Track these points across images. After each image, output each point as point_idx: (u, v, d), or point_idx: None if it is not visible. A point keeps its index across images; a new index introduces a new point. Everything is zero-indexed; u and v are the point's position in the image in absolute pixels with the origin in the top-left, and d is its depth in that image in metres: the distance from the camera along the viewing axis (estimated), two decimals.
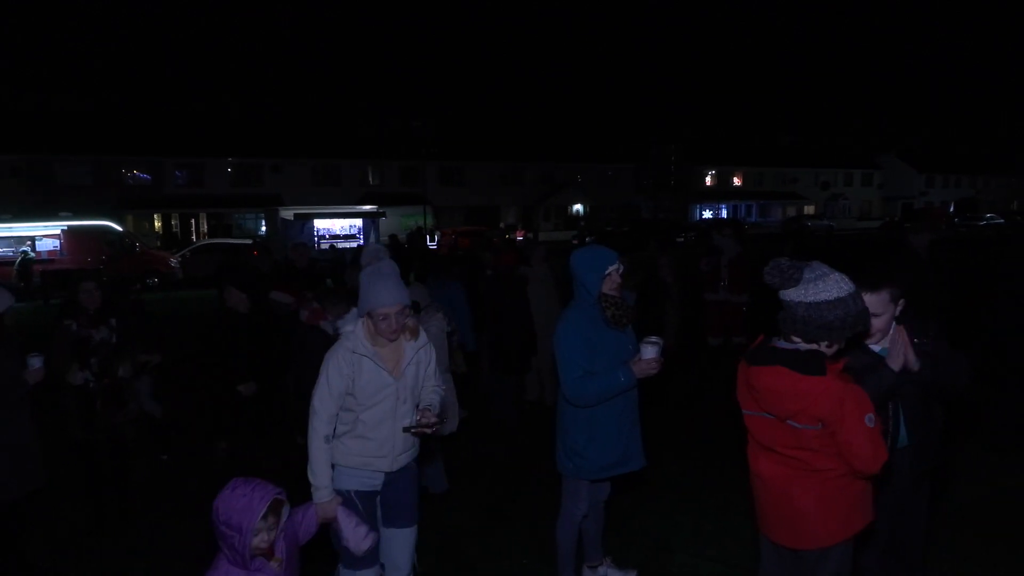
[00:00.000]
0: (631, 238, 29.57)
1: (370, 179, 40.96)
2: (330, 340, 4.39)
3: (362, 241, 31.01)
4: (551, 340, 3.23)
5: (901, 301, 2.60)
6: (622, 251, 3.33)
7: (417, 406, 2.94)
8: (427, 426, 2.81)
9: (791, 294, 2.23)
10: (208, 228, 36.95)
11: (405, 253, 12.61)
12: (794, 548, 2.38)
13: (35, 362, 3.69)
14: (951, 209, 54.67)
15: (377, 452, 2.85)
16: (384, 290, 2.74)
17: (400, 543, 3.01)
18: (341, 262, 10.69)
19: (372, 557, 2.90)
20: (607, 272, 3.13)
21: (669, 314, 6.99)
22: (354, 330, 2.82)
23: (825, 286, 2.19)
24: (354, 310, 2.86)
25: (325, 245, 27.91)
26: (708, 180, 52.94)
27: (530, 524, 4.27)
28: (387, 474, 2.92)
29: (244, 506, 2.09)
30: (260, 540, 2.16)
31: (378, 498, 2.99)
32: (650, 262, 7.62)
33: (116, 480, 4.40)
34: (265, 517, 2.15)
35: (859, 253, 19.58)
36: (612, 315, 3.13)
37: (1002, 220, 43.14)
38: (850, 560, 2.38)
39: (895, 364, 2.43)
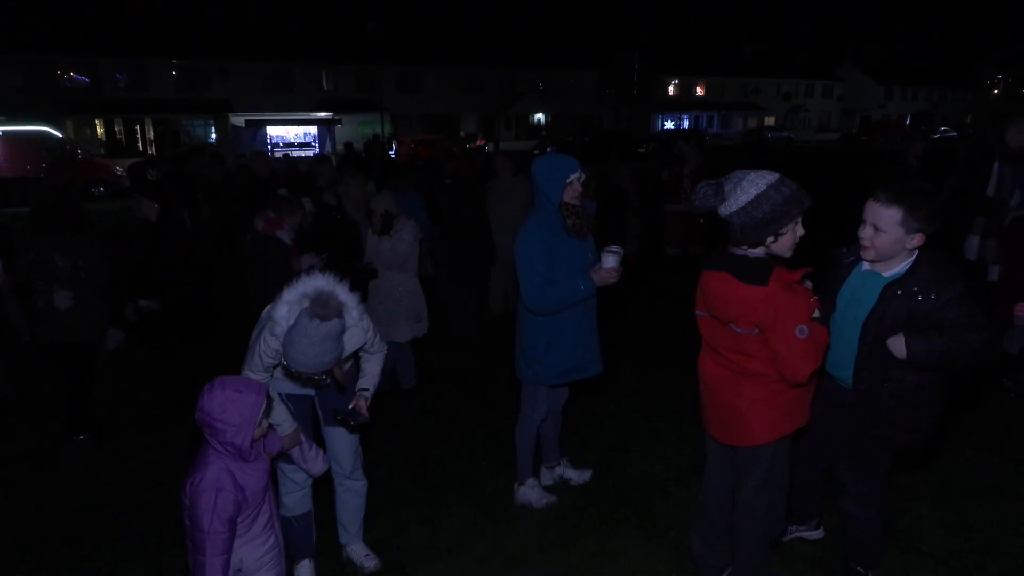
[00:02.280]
0: (592, 148, 29.20)
1: (324, 84, 39.06)
2: (286, 250, 4.32)
3: (317, 149, 29.92)
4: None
5: (918, 236, 2.34)
6: (583, 161, 3.27)
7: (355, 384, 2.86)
8: (358, 417, 2.73)
9: (723, 210, 2.30)
10: (155, 135, 35.08)
11: (362, 162, 12.24)
12: (729, 445, 2.51)
13: None
14: (907, 122, 55.30)
15: (307, 386, 2.84)
16: (306, 355, 2.32)
17: (340, 440, 2.98)
18: (296, 171, 10.31)
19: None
20: (569, 180, 3.08)
21: (630, 224, 7.02)
22: (287, 317, 2.45)
23: (743, 190, 2.25)
24: (287, 292, 2.51)
25: (279, 153, 26.85)
26: (671, 90, 52.12)
27: (489, 428, 4.39)
28: None
29: (246, 401, 2.12)
30: (260, 431, 2.22)
31: (315, 400, 2.96)
32: (611, 172, 7.56)
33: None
34: (263, 410, 2.20)
35: (851, 166, 19.73)
36: (573, 224, 3.11)
37: (955, 134, 43.90)
38: (786, 460, 2.50)
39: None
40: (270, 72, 36.96)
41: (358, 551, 3.13)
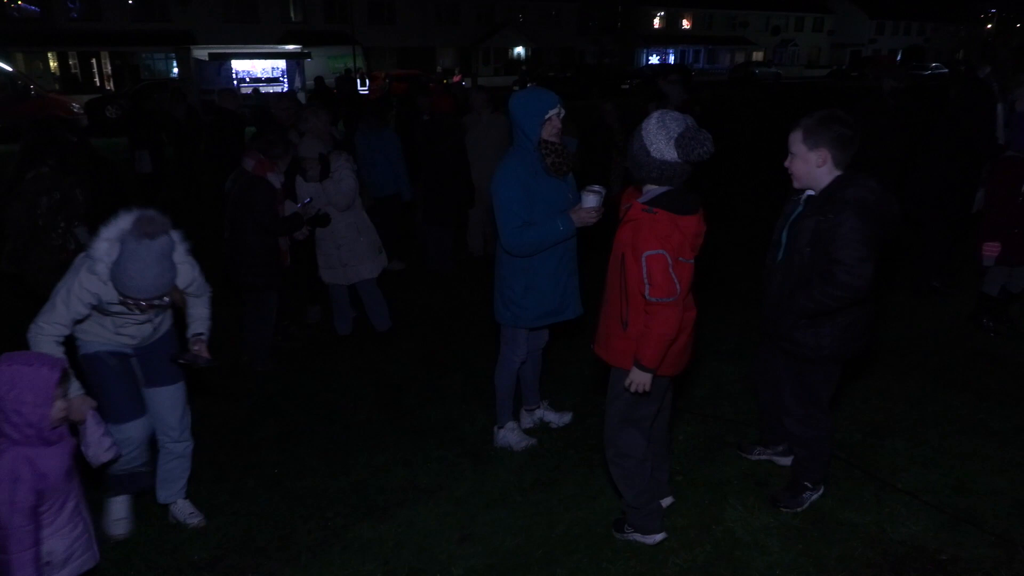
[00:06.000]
0: (574, 84, 28.53)
1: (291, 15, 37.29)
2: (274, 193, 4.13)
3: (286, 86, 28.73)
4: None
5: (822, 152, 2.46)
6: (564, 97, 3.11)
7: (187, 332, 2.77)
8: (200, 360, 2.67)
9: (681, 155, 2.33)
10: (112, 69, 33.43)
11: (333, 99, 11.77)
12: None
13: None
14: (898, 58, 54.35)
15: (126, 342, 2.70)
16: (145, 277, 2.30)
17: (166, 402, 2.83)
18: (266, 108, 9.87)
19: (137, 409, 2.78)
20: (547, 116, 2.94)
21: (614, 162, 6.84)
22: (108, 252, 2.35)
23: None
24: (105, 230, 2.37)
25: (247, 89, 25.69)
26: (656, 22, 50.72)
27: (468, 371, 4.35)
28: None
29: (39, 375, 1.90)
30: (58, 409, 2.00)
31: (134, 360, 2.80)
32: (594, 109, 7.34)
33: None
34: (59, 384, 1.99)
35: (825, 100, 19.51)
36: (552, 163, 2.98)
37: (946, 70, 42.92)
38: None
39: None
40: (233, 1, 35.12)
41: (183, 508, 3.00)
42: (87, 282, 2.39)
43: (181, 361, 2.70)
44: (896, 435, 3.45)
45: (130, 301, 2.39)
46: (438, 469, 3.37)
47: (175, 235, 2.50)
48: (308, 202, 4.32)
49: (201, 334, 2.76)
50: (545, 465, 3.35)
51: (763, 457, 3.24)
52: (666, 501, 2.89)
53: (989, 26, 63.76)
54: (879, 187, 2.47)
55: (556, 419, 3.70)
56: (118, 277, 2.32)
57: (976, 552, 2.63)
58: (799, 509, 2.87)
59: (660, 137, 2.31)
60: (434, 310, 5.49)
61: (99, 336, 2.65)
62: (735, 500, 2.98)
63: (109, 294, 2.42)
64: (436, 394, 4.13)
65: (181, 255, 2.56)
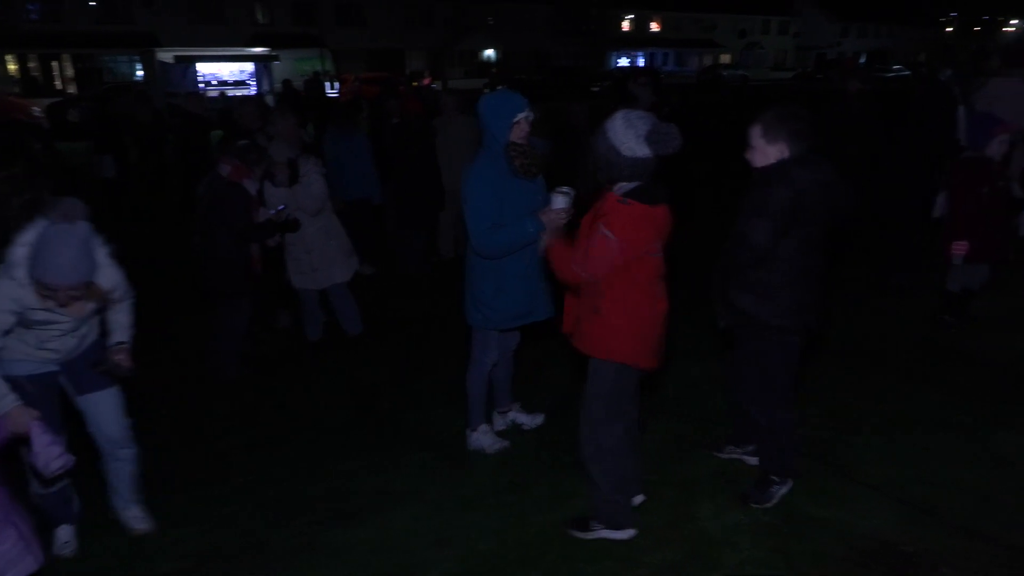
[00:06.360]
0: (544, 86, 28.58)
1: (258, 17, 36.76)
2: (249, 200, 4.08)
3: (254, 88, 28.37)
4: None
5: (779, 146, 2.59)
6: (535, 100, 3.13)
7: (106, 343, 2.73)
8: (121, 369, 2.67)
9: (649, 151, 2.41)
10: (75, 72, 32.63)
11: (301, 103, 11.62)
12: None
13: None
14: (862, 60, 55.37)
15: (50, 357, 2.65)
16: (62, 256, 2.29)
17: (102, 407, 2.79)
18: (230, 112, 9.72)
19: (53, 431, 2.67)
20: (516, 120, 2.96)
21: (583, 164, 6.88)
22: (26, 256, 2.35)
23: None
24: (22, 236, 2.37)
25: (214, 93, 25.31)
26: (625, 25, 51.16)
27: (440, 374, 4.33)
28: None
29: None
30: None
31: (62, 377, 2.75)
32: (564, 111, 7.37)
33: None
34: None
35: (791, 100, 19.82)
36: (521, 165, 3.00)
37: (908, 72, 43.75)
38: None
39: None
40: (198, 2, 34.54)
41: (135, 514, 2.99)
42: (7, 289, 2.37)
43: (102, 369, 2.68)
44: (863, 430, 3.51)
45: (49, 294, 2.35)
46: (411, 473, 3.35)
47: (96, 235, 2.48)
48: (282, 209, 4.27)
49: (123, 343, 2.73)
50: (518, 467, 3.35)
51: (733, 456, 3.28)
52: (638, 499, 2.91)
53: (949, 29, 65.49)
54: (831, 173, 2.58)
55: (528, 421, 3.70)
56: (36, 265, 2.30)
57: (940, 544, 2.69)
58: (768, 504, 2.91)
59: (629, 136, 2.38)
60: (405, 313, 5.46)
61: (22, 353, 2.57)
62: (706, 498, 3.02)
63: (29, 298, 2.40)
64: (408, 398, 4.11)
65: (103, 257, 2.54)
